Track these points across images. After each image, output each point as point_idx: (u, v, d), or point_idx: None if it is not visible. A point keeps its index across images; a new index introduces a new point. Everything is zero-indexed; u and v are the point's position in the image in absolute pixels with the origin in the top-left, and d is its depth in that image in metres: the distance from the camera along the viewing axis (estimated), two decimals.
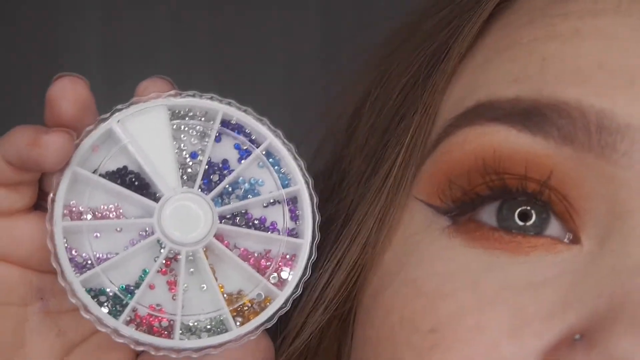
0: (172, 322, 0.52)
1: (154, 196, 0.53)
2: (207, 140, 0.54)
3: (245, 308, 0.53)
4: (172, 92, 0.53)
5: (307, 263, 0.53)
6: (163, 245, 0.53)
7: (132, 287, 0.52)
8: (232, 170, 0.54)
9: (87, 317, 0.51)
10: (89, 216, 0.52)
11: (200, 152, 0.54)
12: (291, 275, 0.53)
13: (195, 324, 0.53)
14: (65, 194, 0.52)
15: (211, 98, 0.54)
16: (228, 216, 0.54)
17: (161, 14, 1.11)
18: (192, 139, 0.54)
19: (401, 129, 0.56)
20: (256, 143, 0.54)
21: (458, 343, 0.49)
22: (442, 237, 0.52)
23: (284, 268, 0.53)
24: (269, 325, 0.53)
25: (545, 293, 0.49)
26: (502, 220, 0.51)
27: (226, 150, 0.54)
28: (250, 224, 0.54)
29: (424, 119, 0.55)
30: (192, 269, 0.53)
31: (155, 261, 0.52)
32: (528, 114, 0.50)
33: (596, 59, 0.50)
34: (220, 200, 0.54)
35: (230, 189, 0.54)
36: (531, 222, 0.51)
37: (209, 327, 0.53)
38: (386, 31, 0.62)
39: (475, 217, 0.52)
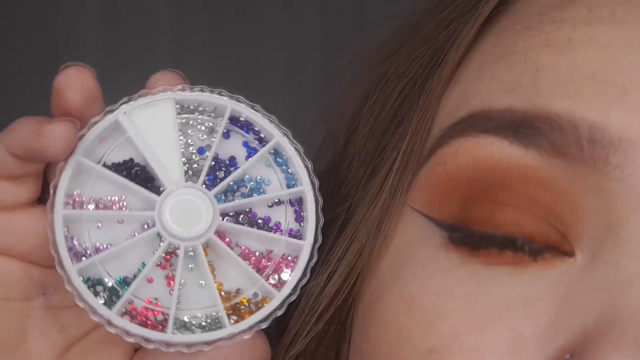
0: (167, 316, 0.52)
1: (158, 190, 0.53)
2: (215, 136, 0.53)
3: (242, 307, 0.52)
4: (180, 85, 0.53)
5: (307, 265, 0.53)
6: (163, 239, 0.52)
7: (130, 280, 0.52)
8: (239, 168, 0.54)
9: (81, 305, 0.51)
10: (92, 207, 0.52)
11: (207, 147, 0.53)
12: (290, 277, 0.53)
13: (191, 320, 0.52)
14: (67, 183, 0.52)
15: (220, 93, 0.54)
16: (231, 214, 0.53)
17: (161, 14, 1.11)
18: (201, 135, 0.54)
19: (398, 134, 0.55)
20: (264, 141, 0.54)
21: None
22: (439, 253, 0.52)
23: (285, 270, 0.53)
24: (263, 325, 0.52)
25: (540, 310, 0.49)
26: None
27: (235, 147, 0.54)
28: (254, 223, 0.53)
29: (421, 125, 0.54)
30: (191, 265, 0.53)
31: (154, 254, 0.52)
32: (519, 126, 0.50)
33: (589, 70, 0.50)
34: (224, 198, 0.53)
35: (235, 187, 0.53)
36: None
37: (204, 324, 0.52)
38: (386, 31, 0.62)
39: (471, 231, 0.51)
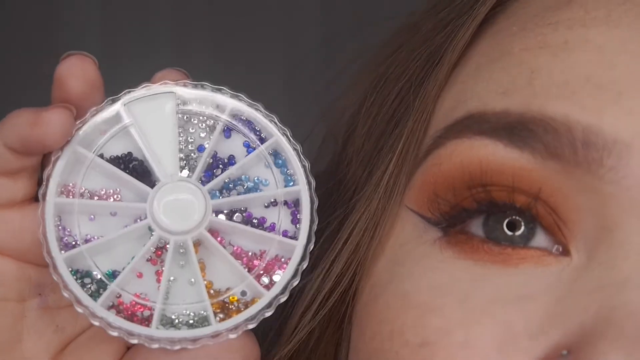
0: (154, 311, 0.51)
1: (153, 184, 0.52)
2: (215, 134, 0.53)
3: (231, 306, 0.52)
4: (182, 81, 0.53)
5: (298, 266, 0.52)
6: (153, 233, 0.52)
7: (118, 273, 0.52)
8: None
9: (66, 295, 0.51)
10: (86, 198, 0.52)
11: (207, 145, 0.53)
12: (280, 277, 0.52)
13: (179, 317, 0.52)
14: (62, 173, 0.52)
15: (221, 91, 0.54)
16: (226, 211, 0.53)
17: (161, 14, 1.11)
18: (201, 132, 0.53)
19: (395, 135, 0.56)
20: (265, 140, 0.53)
21: (447, 358, 0.49)
22: (432, 249, 0.52)
23: (278, 271, 0.52)
24: (251, 326, 0.51)
25: (534, 307, 0.49)
26: (489, 231, 0.51)
27: (235, 146, 0.53)
28: (249, 223, 0.53)
29: (417, 126, 0.54)
30: (182, 262, 0.52)
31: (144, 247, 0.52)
32: (514, 129, 0.50)
33: (584, 72, 0.50)
34: (219, 196, 0.53)
35: (231, 185, 0.53)
36: (520, 232, 0.51)
37: (191, 322, 0.51)
38: (386, 32, 0.62)
39: (465, 228, 0.52)
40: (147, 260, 0.52)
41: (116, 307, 0.51)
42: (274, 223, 0.53)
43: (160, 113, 0.53)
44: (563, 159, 0.49)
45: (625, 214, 0.48)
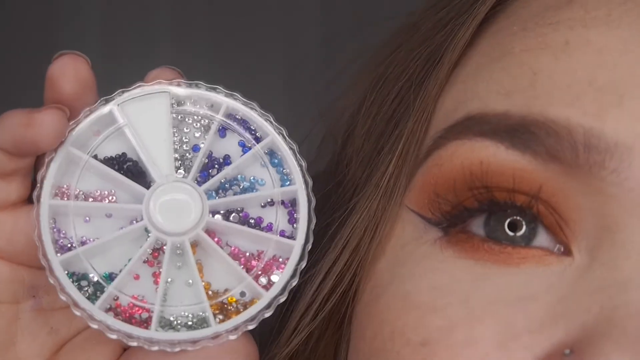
0: (152, 314, 0.51)
1: (149, 185, 0.52)
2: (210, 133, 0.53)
3: (230, 307, 0.52)
4: (176, 80, 0.53)
5: (297, 266, 0.52)
6: (150, 234, 0.51)
7: (115, 276, 0.51)
8: None
9: (63, 298, 0.50)
10: (81, 200, 0.52)
11: (202, 145, 0.53)
12: (279, 278, 0.52)
13: (177, 319, 0.51)
14: (56, 174, 0.51)
15: (216, 90, 0.53)
16: (222, 212, 0.52)
17: (161, 14, 1.11)
18: (196, 132, 0.53)
19: (395, 136, 0.55)
20: (260, 140, 0.53)
21: (448, 357, 0.49)
22: (433, 249, 0.52)
23: (276, 271, 0.52)
24: (251, 327, 0.51)
25: (535, 306, 0.49)
26: (490, 231, 0.51)
27: (230, 146, 0.53)
28: (246, 223, 0.53)
29: (417, 127, 0.54)
30: (179, 264, 0.52)
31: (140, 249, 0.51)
32: (516, 131, 0.50)
33: (585, 74, 0.50)
34: (215, 196, 0.52)
35: (227, 185, 0.53)
36: (521, 232, 0.51)
37: (190, 323, 0.51)
38: (386, 31, 0.62)
39: (466, 228, 0.51)
40: (144, 262, 0.52)
41: (114, 310, 0.51)
42: (271, 223, 0.53)
43: (154, 113, 0.52)
44: (564, 162, 0.49)
45: (627, 214, 0.48)
